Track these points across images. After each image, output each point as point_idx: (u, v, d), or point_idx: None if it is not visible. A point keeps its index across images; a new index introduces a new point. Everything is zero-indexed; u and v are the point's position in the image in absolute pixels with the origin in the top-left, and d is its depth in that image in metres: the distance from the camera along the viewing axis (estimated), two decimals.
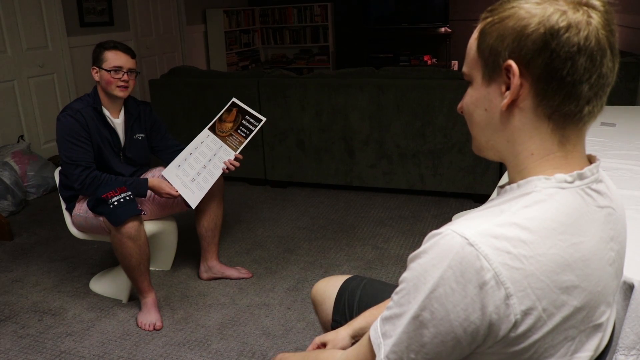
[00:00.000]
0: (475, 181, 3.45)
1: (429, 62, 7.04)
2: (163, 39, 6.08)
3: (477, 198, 3.48)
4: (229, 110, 2.47)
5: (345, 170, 3.73)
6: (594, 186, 0.76)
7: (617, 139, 2.36)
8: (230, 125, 2.42)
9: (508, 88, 0.72)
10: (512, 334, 0.67)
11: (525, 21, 0.70)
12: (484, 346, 0.69)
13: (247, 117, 2.45)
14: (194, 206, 2.37)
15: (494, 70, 0.74)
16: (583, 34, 0.68)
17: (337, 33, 7.66)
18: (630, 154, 2.15)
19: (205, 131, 2.37)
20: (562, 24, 0.68)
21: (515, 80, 0.71)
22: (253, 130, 2.40)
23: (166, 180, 2.42)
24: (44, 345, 2.19)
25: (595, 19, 0.69)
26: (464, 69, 0.80)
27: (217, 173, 2.36)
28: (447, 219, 3.26)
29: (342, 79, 3.59)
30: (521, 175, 0.76)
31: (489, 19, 0.74)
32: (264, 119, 2.41)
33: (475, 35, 0.77)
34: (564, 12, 0.68)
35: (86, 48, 4.90)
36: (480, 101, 0.77)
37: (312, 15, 7.52)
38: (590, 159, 0.79)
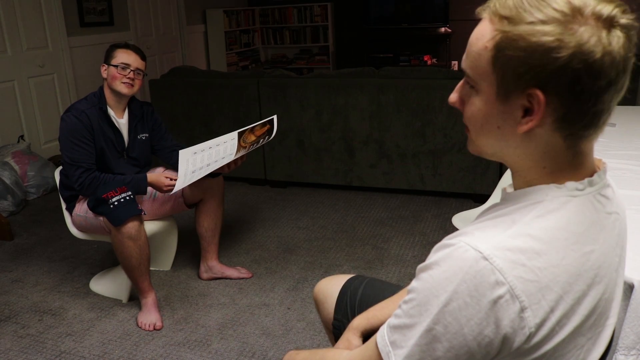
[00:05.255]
0: (475, 181, 3.45)
1: (429, 62, 7.03)
2: (163, 39, 6.08)
3: (477, 198, 3.48)
4: (264, 124, 2.49)
5: (345, 170, 3.73)
6: (603, 192, 0.75)
7: (617, 139, 2.36)
8: (254, 138, 2.44)
9: (525, 110, 0.68)
10: (525, 346, 0.67)
11: (558, 51, 0.63)
12: (496, 357, 0.69)
13: (266, 136, 2.51)
14: (173, 192, 2.34)
15: (513, 92, 0.68)
16: (615, 64, 0.64)
17: (337, 33, 7.66)
18: (630, 154, 2.15)
19: (234, 134, 2.33)
20: (597, 55, 0.63)
21: (541, 111, 0.67)
22: (255, 147, 2.52)
23: (171, 166, 2.44)
24: (44, 345, 2.19)
25: (622, 40, 0.64)
26: (467, 69, 0.74)
27: (206, 173, 2.33)
28: (447, 219, 3.26)
29: (342, 79, 3.59)
30: (529, 183, 0.75)
31: (509, 35, 0.66)
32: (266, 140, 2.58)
33: (487, 44, 0.69)
34: (599, 40, 0.63)
35: (86, 48, 4.90)
36: (491, 117, 0.72)
37: (312, 15, 7.52)
38: (597, 164, 0.78)
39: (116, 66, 2.31)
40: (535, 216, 0.69)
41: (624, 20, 0.65)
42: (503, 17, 0.67)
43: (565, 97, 0.65)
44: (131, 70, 2.33)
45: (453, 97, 0.78)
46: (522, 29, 0.65)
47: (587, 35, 0.63)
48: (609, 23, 0.64)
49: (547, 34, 0.63)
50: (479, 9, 0.71)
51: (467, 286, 0.65)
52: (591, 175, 0.74)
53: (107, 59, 2.35)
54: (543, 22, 0.64)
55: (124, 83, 2.32)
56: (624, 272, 0.82)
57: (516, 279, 0.65)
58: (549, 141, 0.70)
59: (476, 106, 0.74)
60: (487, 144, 0.76)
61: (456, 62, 6.99)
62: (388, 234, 3.12)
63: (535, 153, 0.72)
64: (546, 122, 0.68)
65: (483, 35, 0.70)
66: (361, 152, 3.64)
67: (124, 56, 2.33)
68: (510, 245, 0.66)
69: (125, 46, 2.37)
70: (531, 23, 0.64)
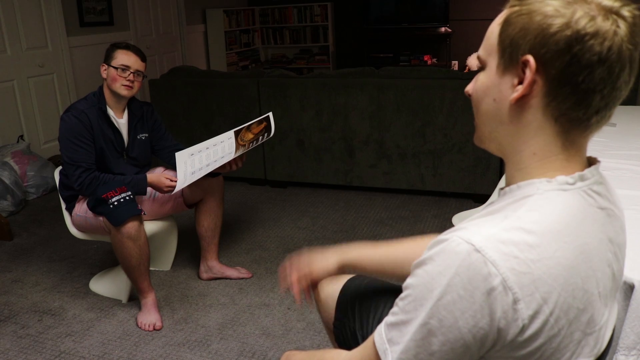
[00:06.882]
0: (475, 181, 3.45)
1: (429, 62, 7.03)
2: (163, 39, 6.08)
3: (477, 198, 3.48)
4: (260, 122, 2.48)
5: (345, 170, 3.73)
6: (595, 187, 0.76)
7: (617, 139, 2.36)
8: (252, 137, 2.44)
9: (521, 82, 0.71)
10: (520, 338, 0.67)
11: (553, 19, 0.68)
12: (492, 350, 0.69)
13: (265, 134, 2.50)
14: (174, 192, 2.34)
15: (510, 62, 0.72)
16: (607, 44, 0.66)
17: (337, 33, 7.66)
18: (630, 154, 2.15)
19: (230, 133, 2.34)
20: (590, 30, 0.66)
21: (531, 76, 0.70)
22: (256, 145, 2.51)
23: (171, 166, 2.43)
24: (44, 345, 2.19)
25: (623, 29, 0.67)
26: (481, 52, 0.78)
27: (205, 173, 2.32)
28: (447, 219, 3.26)
29: (342, 79, 3.59)
30: (521, 174, 0.76)
31: (516, 8, 0.72)
32: (266, 138, 2.58)
33: (498, 20, 0.75)
34: (594, 18, 0.66)
35: (86, 48, 4.90)
36: (490, 90, 0.76)
37: (312, 15, 7.52)
38: (591, 161, 0.79)
39: (116, 68, 2.30)
40: (527, 210, 0.70)
41: (625, 12, 0.68)
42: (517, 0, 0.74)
43: (556, 67, 0.68)
44: (131, 72, 2.32)
45: (468, 86, 0.82)
46: (530, 6, 0.71)
47: (582, 12, 0.67)
48: (608, 11, 0.67)
49: (548, 5, 0.69)
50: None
51: (461, 279, 0.66)
52: (582, 171, 0.74)
53: (107, 59, 2.34)
54: (549, 3, 0.69)
55: (123, 85, 2.31)
56: (621, 271, 0.82)
57: (509, 270, 0.65)
58: (540, 120, 0.72)
59: (480, 81, 0.78)
60: (484, 122, 0.79)
61: (456, 62, 6.99)
62: (388, 234, 3.12)
63: (526, 132, 0.74)
64: (537, 94, 0.71)
65: (499, 17, 0.76)
66: (361, 152, 3.64)
67: (124, 58, 2.32)
68: (503, 238, 0.67)
69: (126, 47, 2.35)
70: (540, 2, 0.70)
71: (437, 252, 0.69)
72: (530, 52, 0.69)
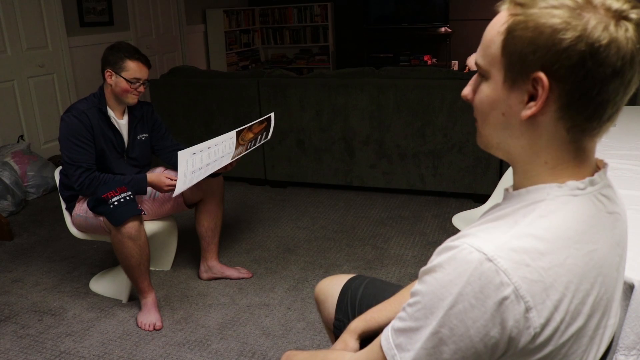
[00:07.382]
0: (475, 181, 3.45)
1: (429, 62, 7.03)
2: (163, 39, 6.08)
3: (477, 198, 3.48)
4: (261, 122, 2.49)
5: (345, 170, 3.73)
6: (604, 191, 0.75)
7: (617, 139, 2.36)
8: (252, 136, 2.45)
9: (531, 97, 0.69)
10: (531, 346, 0.67)
11: (563, 33, 0.65)
12: (502, 357, 0.69)
13: (264, 133, 2.51)
14: (174, 195, 2.35)
15: (519, 77, 0.69)
16: (621, 53, 0.64)
17: (337, 33, 7.66)
18: (630, 154, 2.15)
19: (232, 133, 2.34)
20: (604, 41, 0.64)
21: (544, 95, 0.67)
22: (253, 148, 2.52)
23: (171, 166, 2.45)
24: (44, 345, 2.19)
25: (631, 33, 0.65)
26: (479, 60, 0.74)
27: (206, 174, 2.32)
28: (447, 219, 3.26)
29: (342, 79, 3.59)
30: (530, 181, 0.75)
31: (520, 18, 0.68)
32: (264, 141, 2.61)
33: (500, 29, 0.70)
34: (606, 28, 0.64)
35: (86, 48, 4.90)
36: (498, 104, 0.73)
37: (312, 15, 7.52)
38: (598, 164, 0.78)
39: (128, 80, 2.28)
40: (538, 216, 0.69)
41: (634, 15, 0.66)
42: (518, 4, 0.69)
43: (569, 83, 0.66)
44: (141, 83, 2.32)
45: (466, 90, 0.79)
46: (533, 11, 0.67)
47: (595, 21, 0.64)
48: (618, 15, 0.65)
49: (555, 16, 0.65)
50: (498, 3, 0.73)
51: (472, 288, 0.65)
52: (592, 175, 0.74)
53: (115, 67, 2.28)
54: (554, 7, 0.66)
55: (133, 95, 2.32)
56: (624, 272, 0.82)
57: (521, 279, 0.65)
58: (553, 132, 0.70)
59: (484, 93, 0.75)
60: (492, 133, 0.76)
61: (456, 62, 6.98)
62: (388, 234, 3.12)
63: (538, 144, 0.72)
64: (550, 109, 0.69)
65: (497, 22, 0.72)
66: (361, 152, 3.64)
67: (137, 70, 2.29)
68: (514, 246, 0.66)
69: (138, 58, 2.30)
70: (543, 8, 0.67)
71: (447, 259, 0.68)
72: (542, 69, 0.67)
